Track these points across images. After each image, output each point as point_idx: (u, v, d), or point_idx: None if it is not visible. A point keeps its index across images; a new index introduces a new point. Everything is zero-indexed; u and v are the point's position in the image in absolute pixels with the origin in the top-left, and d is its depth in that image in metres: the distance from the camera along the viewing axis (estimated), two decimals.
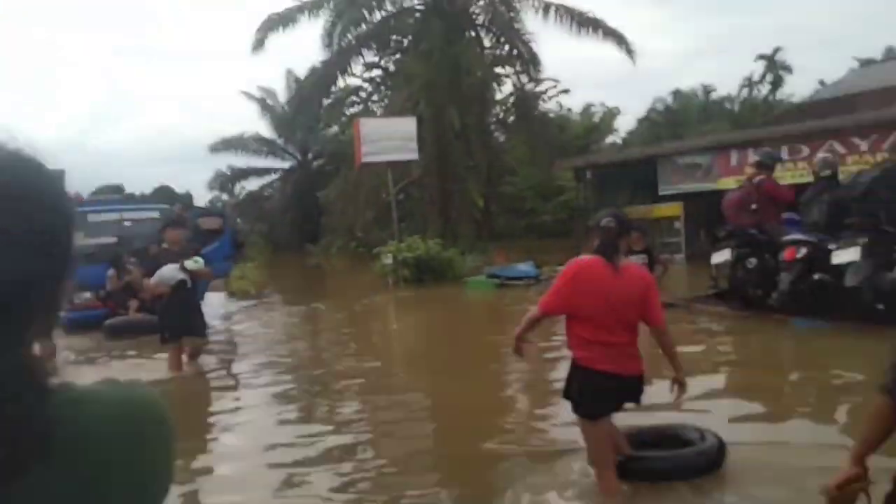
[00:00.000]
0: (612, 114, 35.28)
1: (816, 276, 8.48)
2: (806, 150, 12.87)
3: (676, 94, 47.47)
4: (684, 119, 44.44)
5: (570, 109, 37.15)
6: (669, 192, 15.60)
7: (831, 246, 8.19)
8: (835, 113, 15.95)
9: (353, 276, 19.91)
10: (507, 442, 4.97)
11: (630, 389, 3.62)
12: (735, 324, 9.05)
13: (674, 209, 16.38)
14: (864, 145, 11.97)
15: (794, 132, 13.10)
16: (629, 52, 21.94)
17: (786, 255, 8.67)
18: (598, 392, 3.55)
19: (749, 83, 47.80)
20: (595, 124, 32.10)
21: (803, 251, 8.55)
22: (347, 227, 24.51)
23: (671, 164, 15.35)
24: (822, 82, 43.23)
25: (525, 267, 14.39)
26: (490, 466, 4.56)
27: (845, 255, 7.95)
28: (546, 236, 23.62)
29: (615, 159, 16.75)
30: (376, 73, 25.54)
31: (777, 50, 41.85)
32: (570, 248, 17.32)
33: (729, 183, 14.37)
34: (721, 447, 4.02)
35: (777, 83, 41.81)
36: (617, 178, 17.70)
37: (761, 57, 42.55)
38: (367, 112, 24.01)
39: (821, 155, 9.50)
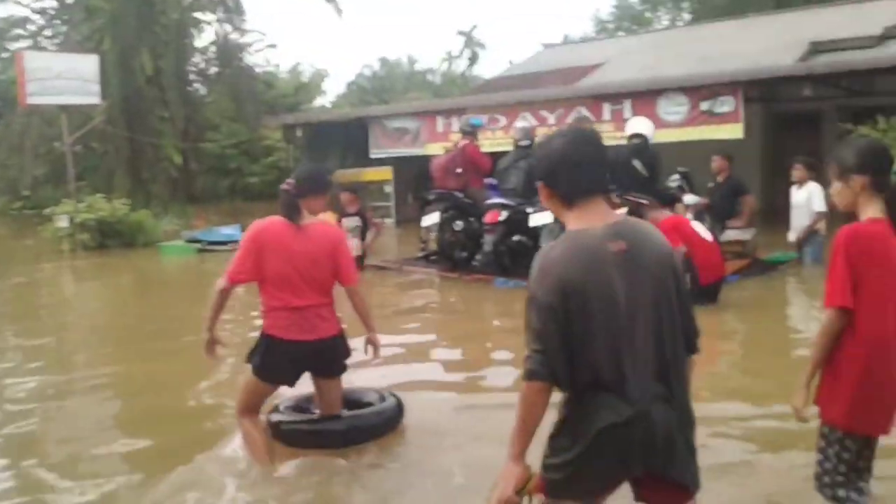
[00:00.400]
0: (320, 75, 34.73)
1: (515, 238, 8.88)
2: (503, 120, 13.62)
3: (383, 61, 48.50)
4: (391, 86, 45.74)
5: (277, 66, 35.68)
6: (380, 155, 15.54)
7: (529, 210, 8.57)
8: (523, 88, 17.20)
9: (18, 242, 16.78)
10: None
11: (321, 353, 3.51)
12: (443, 284, 9.15)
13: (384, 173, 16.40)
14: (551, 118, 12.98)
15: (492, 103, 13.76)
16: (338, 10, 21.54)
17: (488, 218, 8.92)
18: (279, 361, 3.46)
19: (449, 57, 50.67)
20: (304, 84, 31.27)
21: (504, 214, 8.87)
22: (10, 184, 20.88)
23: (381, 128, 15.28)
24: (511, 62, 47.69)
25: (229, 230, 13.27)
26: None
27: (541, 218, 8.37)
28: (254, 198, 22.38)
29: (326, 119, 16.20)
30: (49, 2, 21.87)
31: (474, 27, 44.86)
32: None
33: (435, 148, 14.73)
34: (399, 407, 4.00)
35: (474, 59, 44.97)
36: (328, 139, 17.21)
37: (461, 33, 45.33)
38: (37, 48, 20.39)
39: (520, 125, 9.94)
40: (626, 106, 12.32)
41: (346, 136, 17.15)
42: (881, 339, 2.40)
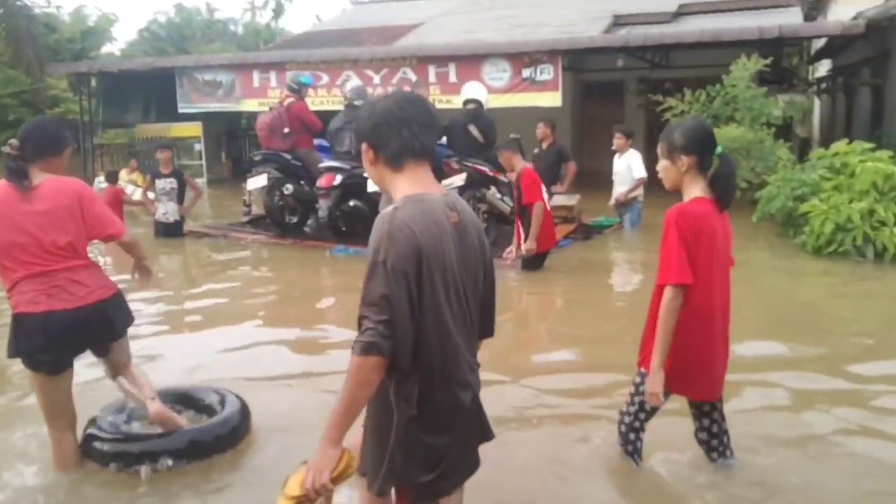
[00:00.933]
0: (108, 19, 31.27)
1: (352, 203, 8.65)
2: (326, 78, 13.15)
3: (179, 8, 44.86)
4: (190, 35, 42.48)
5: (59, 7, 31.66)
6: (190, 110, 14.35)
7: (366, 174, 8.37)
8: (339, 45, 16.72)
9: None
10: None
11: (87, 323, 2.97)
12: (275, 252, 8.68)
13: (193, 129, 15.24)
14: (376, 78, 12.74)
15: (315, 59, 13.19)
16: None
17: (322, 181, 8.59)
18: (35, 341, 2.92)
19: (252, 7, 47.95)
20: (90, 28, 28.01)
21: (339, 178, 8.59)
22: None
23: (191, 80, 14.07)
24: (318, 17, 46.03)
25: None
26: None
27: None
28: None
29: (127, 67, 14.56)
30: None
31: None
32: (77, 170, 14.90)
33: (252, 105, 13.93)
34: (244, 412, 3.49)
35: (279, 11, 42.90)
36: (127, 90, 15.60)
37: None
38: None
39: (352, 83, 9.63)
40: (452, 69, 12.40)
41: (148, 88, 15.67)
42: (708, 310, 2.61)
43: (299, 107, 9.16)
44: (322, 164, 8.79)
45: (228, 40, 43.56)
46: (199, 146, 15.41)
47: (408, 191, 1.81)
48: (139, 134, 15.48)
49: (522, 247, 6.90)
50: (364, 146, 1.87)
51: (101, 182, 13.58)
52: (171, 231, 9.28)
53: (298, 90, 9.32)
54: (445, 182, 8.22)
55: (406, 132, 1.81)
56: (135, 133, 15.55)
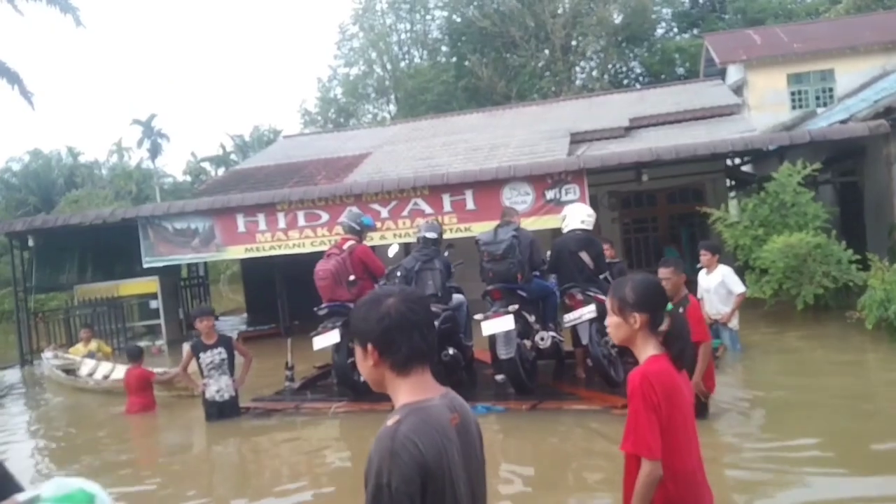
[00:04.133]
0: None
1: (451, 352, 7.50)
2: (325, 216, 11.94)
3: (36, 154, 41.84)
4: (49, 182, 39.58)
5: None
6: (158, 263, 12.40)
7: (477, 317, 7.31)
8: (290, 180, 15.62)
9: None
10: None
11: None
12: (374, 422, 7.12)
13: (147, 286, 13.25)
14: (384, 211, 11.75)
15: (313, 196, 11.96)
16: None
17: None
18: None
19: (119, 149, 45.69)
20: None
21: (436, 324, 7.42)
22: None
23: (158, 230, 12.23)
24: (193, 154, 44.42)
25: None
26: None
27: (499, 325, 7.19)
28: None
29: (75, 222, 12.37)
30: None
31: (153, 116, 40.97)
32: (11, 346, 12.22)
33: (239, 251, 12.34)
34: None
35: (155, 149, 40.80)
36: (63, 248, 13.43)
37: (137, 122, 41.00)
38: None
39: (426, 220, 8.68)
40: (469, 196, 11.68)
41: (84, 245, 13.60)
42: (689, 474, 2.49)
43: (363, 250, 7.98)
44: None
45: (94, 184, 41.05)
46: (155, 303, 13.36)
47: (409, 397, 1.74)
48: (81, 295, 13.23)
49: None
50: (369, 347, 1.75)
51: (50, 359, 11.24)
52: (227, 411, 7.54)
53: (360, 231, 8.18)
54: (573, 315, 7.33)
55: (417, 337, 1.75)
56: (74, 295, 13.28)
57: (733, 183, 16.58)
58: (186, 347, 8.05)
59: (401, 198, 11.83)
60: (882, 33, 18.78)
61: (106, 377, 10.02)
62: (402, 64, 32.76)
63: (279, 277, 13.28)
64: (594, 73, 32.19)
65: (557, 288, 7.81)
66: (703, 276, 8.54)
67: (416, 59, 33.53)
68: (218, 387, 7.56)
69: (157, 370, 9.01)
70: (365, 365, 1.79)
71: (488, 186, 11.57)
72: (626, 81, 32.72)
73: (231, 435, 7.28)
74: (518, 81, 29.43)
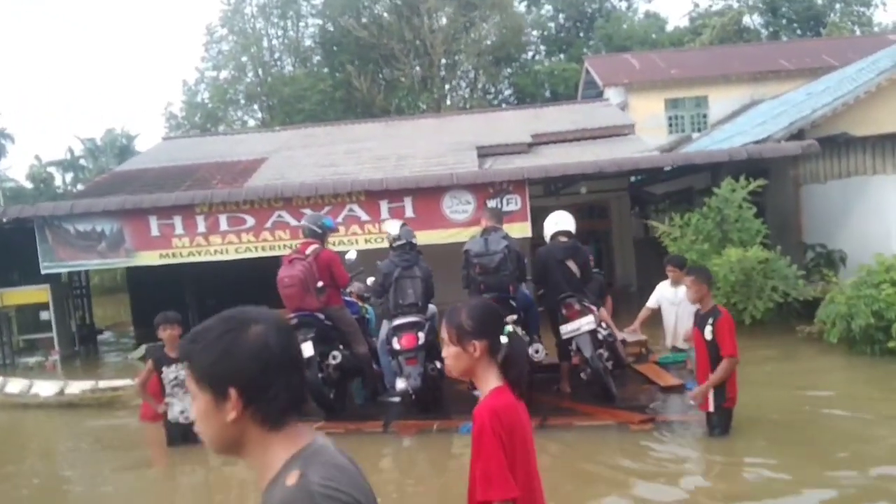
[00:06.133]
0: None
1: (439, 365, 7.23)
2: (251, 221, 11.10)
3: None
4: None
5: None
6: (58, 270, 10.88)
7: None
8: (180, 184, 14.50)
9: None
10: None
11: None
12: (369, 445, 6.58)
13: (36, 295, 11.66)
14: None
15: (241, 198, 11.07)
16: None
17: (404, 342, 7.07)
18: None
19: None
20: None
21: (421, 336, 7.15)
22: None
23: (57, 233, 10.73)
24: (38, 157, 39.88)
25: None
26: None
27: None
28: None
29: None
30: None
31: None
32: None
33: (153, 257, 11.12)
34: None
35: None
36: None
37: None
38: None
39: (392, 221, 8.23)
40: (408, 203, 11.38)
41: None
42: None
43: (328, 255, 7.42)
44: (399, 321, 7.21)
45: None
46: (46, 314, 11.75)
47: (288, 452, 1.32)
48: None
49: (698, 391, 6.06)
50: (232, 394, 1.29)
51: None
52: (193, 435, 6.63)
53: (322, 234, 7.63)
54: (572, 326, 7.24)
55: (296, 378, 1.36)
56: None
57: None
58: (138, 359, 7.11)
59: (335, 203, 11.28)
60: (751, 63, 20.68)
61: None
62: (274, 70, 31.60)
63: (189, 287, 12.19)
64: (464, 92, 32.84)
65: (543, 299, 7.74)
66: (666, 288, 8.50)
67: (288, 67, 32.48)
68: (182, 407, 6.68)
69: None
70: (216, 419, 1.31)
71: (428, 194, 11.34)
72: (494, 102, 33.65)
73: (195, 462, 6.48)
74: (397, 95, 29.34)
